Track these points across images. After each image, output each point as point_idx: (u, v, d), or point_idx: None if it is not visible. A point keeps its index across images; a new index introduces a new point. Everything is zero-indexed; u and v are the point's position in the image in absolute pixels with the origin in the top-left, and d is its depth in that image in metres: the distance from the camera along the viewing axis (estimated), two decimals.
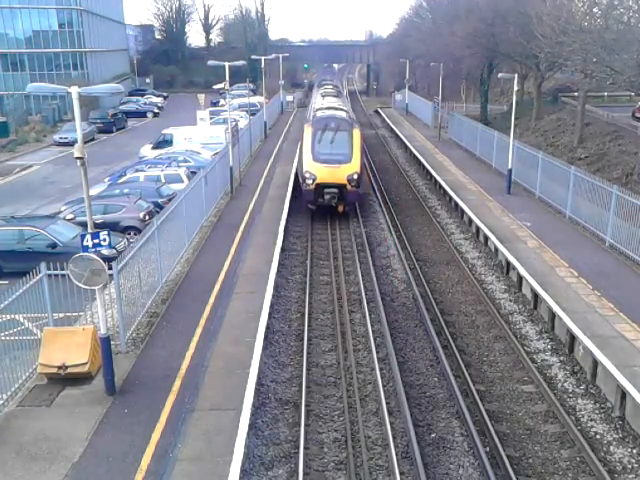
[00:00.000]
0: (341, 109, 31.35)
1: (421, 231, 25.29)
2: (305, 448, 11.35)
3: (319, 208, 25.70)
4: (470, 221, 24.47)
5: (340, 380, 13.81)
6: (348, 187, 24.80)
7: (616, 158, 32.04)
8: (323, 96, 39.00)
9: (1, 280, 17.12)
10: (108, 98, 62.78)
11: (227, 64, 27.10)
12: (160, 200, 24.11)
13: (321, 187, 24.91)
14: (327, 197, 25.00)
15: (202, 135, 38.30)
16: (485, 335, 16.14)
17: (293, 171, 32.42)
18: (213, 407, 11.31)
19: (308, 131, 26.69)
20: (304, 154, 26.05)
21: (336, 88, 46.92)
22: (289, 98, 69.96)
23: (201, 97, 53.61)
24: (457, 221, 26.05)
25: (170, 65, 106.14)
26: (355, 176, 24.74)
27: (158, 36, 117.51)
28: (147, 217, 21.76)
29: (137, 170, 29.52)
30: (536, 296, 16.96)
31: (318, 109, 31.81)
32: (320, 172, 24.95)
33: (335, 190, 24.82)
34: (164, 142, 37.64)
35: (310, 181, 24.97)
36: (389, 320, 16.57)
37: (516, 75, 27.68)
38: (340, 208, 25.63)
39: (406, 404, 12.41)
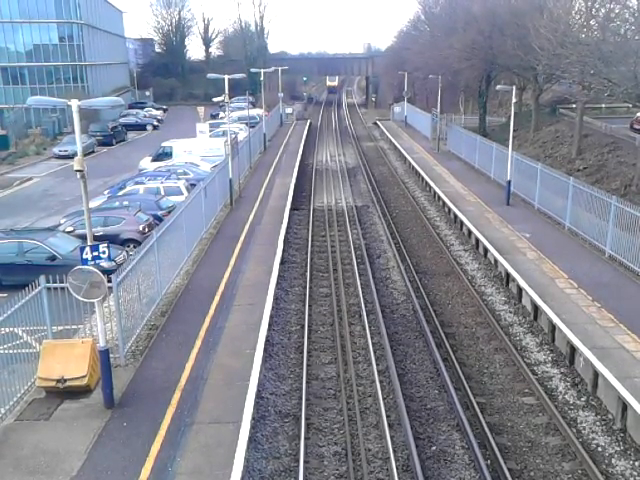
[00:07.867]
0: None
1: (420, 243, 25.29)
2: (305, 462, 11.29)
3: (328, 94, 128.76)
4: (469, 232, 24.48)
5: (340, 393, 13.76)
6: (336, 87, 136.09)
7: (614, 169, 32.11)
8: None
9: (0, 293, 17.08)
10: (108, 111, 63.04)
11: (226, 77, 27.30)
12: (160, 212, 24.13)
13: (329, 87, 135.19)
14: (330, 89, 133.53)
15: (202, 147, 38.40)
16: (485, 347, 16.10)
17: (293, 183, 32.56)
18: (212, 420, 11.26)
19: (326, 77, 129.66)
20: (327, 81, 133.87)
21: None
22: (288, 110, 70.24)
23: (201, 110, 53.59)
24: (456, 232, 26.06)
25: (170, 78, 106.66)
26: (337, 84, 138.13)
27: (158, 49, 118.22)
28: (147, 229, 21.77)
29: (137, 182, 29.56)
30: (536, 307, 16.94)
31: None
32: (329, 83, 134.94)
33: (333, 88, 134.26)
34: (164, 154, 37.75)
35: (328, 85, 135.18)
36: (389, 332, 16.54)
37: (514, 87, 27.73)
38: (336, 94, 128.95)
39: (406, 417, 12.36)
